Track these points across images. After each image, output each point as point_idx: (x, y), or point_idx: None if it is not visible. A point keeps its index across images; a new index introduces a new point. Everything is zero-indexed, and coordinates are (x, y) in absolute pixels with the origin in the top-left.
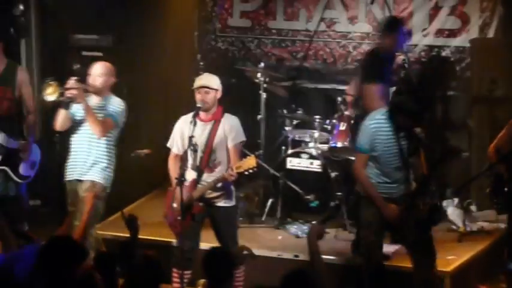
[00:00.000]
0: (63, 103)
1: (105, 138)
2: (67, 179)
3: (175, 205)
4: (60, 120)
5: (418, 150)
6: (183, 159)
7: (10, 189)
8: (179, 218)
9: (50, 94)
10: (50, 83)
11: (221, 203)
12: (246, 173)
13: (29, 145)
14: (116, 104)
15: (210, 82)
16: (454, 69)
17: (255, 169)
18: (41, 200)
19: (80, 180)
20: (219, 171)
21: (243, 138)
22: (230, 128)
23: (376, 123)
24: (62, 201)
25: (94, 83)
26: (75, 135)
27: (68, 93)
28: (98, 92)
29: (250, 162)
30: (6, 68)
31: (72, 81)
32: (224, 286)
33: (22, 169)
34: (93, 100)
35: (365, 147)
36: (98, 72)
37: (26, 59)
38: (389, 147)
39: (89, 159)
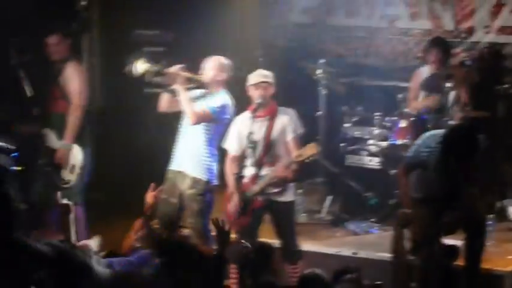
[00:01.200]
0: (163, 86)
1: (204, 131)
2: (169, 167)
3: (235, 202)
4: (164, 102)
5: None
6: (240, 158)
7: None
8: (238, 215)
9: (140, 66)
10: (142, 58)
11: (281, 198)
12: (307, 160)
13: (66, 147)
14: (219, 99)
15: (268, 77)
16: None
17: (316, 155)
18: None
19: (181, 172)
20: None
21: (301, 129)
22: (288, 120)
23: (428, 151)
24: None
25: (204, 75)
26: (183, 125)
27: (172, 76)
28: (204, 85)
29: (311, 149)
30: (61, 63)
31: (177, 67)
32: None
33: (63, 172)
34: (199, 91)
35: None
36: (209, 65)
37: (88, 54)
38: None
39: (188, 152)
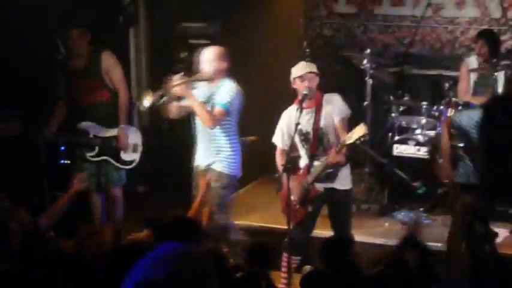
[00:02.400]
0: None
1: (219, 127)
2: (194, 164)
3: (292, 198)
4: (173, 110)
5: None
6: (293, 150)
7: (117, 178)
8: (298, 206)
9: (146, 102)
10: (145, 92)
11: (340, 186)
12: (358, 142)
13: (124, 130)
14: (226, 91)
15: (313, 68)
16: None
17: (366, 136)
18: (149, 186)
19: (206, 169)
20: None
21: (347, 111)
22: (332, 106)
23: (476, 122)
24: (171, 186)
25: (204, 70)
26: (197, 122)
27: (173, 91)
28: (209, 79)
29: (360, 130)
30: (89, 58)
31: (177, 76)
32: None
33: (124, 155)
34: (205, 88)
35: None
36: (207, 58)
37: (135, 47)
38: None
39: (210, 148)
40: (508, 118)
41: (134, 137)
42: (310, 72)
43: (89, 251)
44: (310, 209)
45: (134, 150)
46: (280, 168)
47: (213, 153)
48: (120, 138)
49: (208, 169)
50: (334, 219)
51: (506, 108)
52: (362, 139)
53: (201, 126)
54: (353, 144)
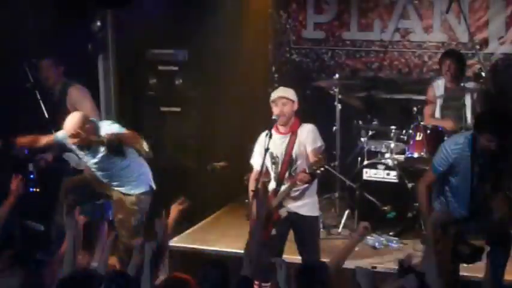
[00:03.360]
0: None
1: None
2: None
3: (255, 216)
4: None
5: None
6: (262, 173)
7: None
8: (261, 227)
9: None
10: None
11: (305, 212)
12: (318, 171)
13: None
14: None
15: (286, 93)
16: None
17: (325, 165)
18: None
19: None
20: None
21: (321, 143)
22: (307, 135)
23: (460, 148)
24: None
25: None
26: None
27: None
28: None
29: (318, 162)
30: (60, 90)
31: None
32: None
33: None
34: None
35: (439, 169)
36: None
37: (104, 74)
38: (466, 176)
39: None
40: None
41: None
42: (282, 97)
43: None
44: (273, 231)
45: None
46: (250, 191)
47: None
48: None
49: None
50: (301, 245)
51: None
52: (322, 169)
53: None
54: (316, 170)
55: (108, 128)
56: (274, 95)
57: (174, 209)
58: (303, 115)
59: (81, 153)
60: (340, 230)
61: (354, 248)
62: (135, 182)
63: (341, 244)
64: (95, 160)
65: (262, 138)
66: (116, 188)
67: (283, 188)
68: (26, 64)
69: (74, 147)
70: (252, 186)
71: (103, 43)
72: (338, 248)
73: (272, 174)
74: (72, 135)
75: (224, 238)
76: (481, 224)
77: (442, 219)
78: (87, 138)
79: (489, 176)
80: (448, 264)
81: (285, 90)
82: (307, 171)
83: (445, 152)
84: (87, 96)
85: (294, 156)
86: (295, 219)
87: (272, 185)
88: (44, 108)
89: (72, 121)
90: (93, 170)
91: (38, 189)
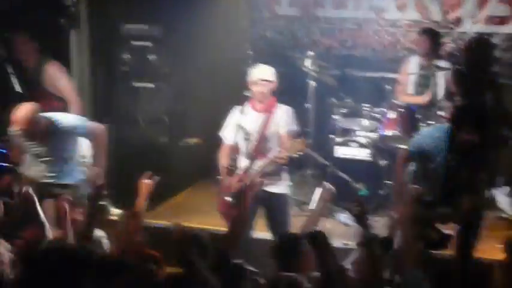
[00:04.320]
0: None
1: None
2: None
3: (227, 194)
4: None
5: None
6: (234, 148)
7: None
8: (232, 206)
9: None
10: None
11: (275, 190)
12: (295, 155)
13: None
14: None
15: (270, 75)
16: (502, 56)
17: (303, 151)
18: None
19: None
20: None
21: (294, 127)
22: (283, 117)
23: (436, 140)
24: None
25: None
26: None
27: None
28: None
29: (299, 145)
30: (34, 67)
31: None
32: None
33: None
34: None
35: (412, 150)
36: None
37: (76, 49)
38: (441, 166)
39: None
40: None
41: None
42: (263, 80)
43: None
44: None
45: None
46: (223, 167)
47: None
48: None
49: None
50: (270, 222)
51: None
52: (299, 153)
53: None
54: (291, 156)
55: (64, 119)
56: (255, 75)
57: (142, 185)
58: (277, 92)
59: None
60: (312, 207)
61: (320, 214)
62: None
63: None
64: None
65: (235, 112)
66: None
67: (257, 165)
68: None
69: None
70: (224, 162)
71: (75, 18)
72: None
73: (243, 150)
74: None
75: (196, 214)
76: (452, 211)
77: (414, 201)
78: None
79: (464, 168)
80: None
81: (266, 71)
82: (285, 152)
83: (421, 139)
84: (64, 73)
85: (268, 134)
86: (265, 196)
87: (244, 162)
88: (17, 83)
89: (21, 114)
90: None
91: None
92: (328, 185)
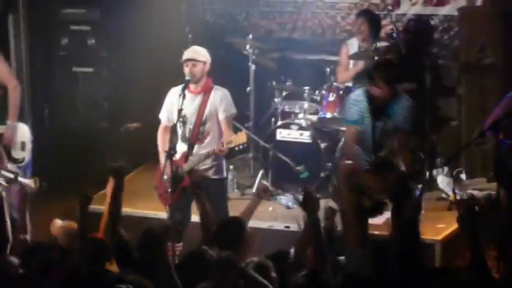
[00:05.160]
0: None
1: None
2: None
3: (165, 177)
4: None
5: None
6: (172, 132)
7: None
8: (169, 190)
9: None
10: None
11: (212, 175)
12: (237, 148)
13: (11, 127)
14: None
15: (197, 55)
16: (441, 37)
17: (245, 145)
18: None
19: None
20: (208, 143)
21: (233, 110)
22: (220, 100)
23: (361, 102)
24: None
25: None
26: None
27: None
28: None
29: (241, 138)
30: None
31: None
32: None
33: (14, 153)
34: None
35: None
36: None
37: (14, 35)
38: (369, 129)
39: None
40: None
41: (22, 134)
42: (191, 59)
43: None
44: (182, 196)
45: (22, 148)
46: (161, 148)
47: None
48: (6, 135)
49: None
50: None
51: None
52: (241, 146)
53: None
54: (231, 149)
55: None
56: (184, 56)
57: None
58: (217, 76)
59: None
60: (254, 190)
61: (254, 209)
62: None
63: None
64: None
65: (172, 93)
66: None
67: (195, 150)
68: None
69: None
70: (162, 145)
71: (13, 2)
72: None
73: (180, 134)
74: None
75: (136, 199)
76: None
77: (350, 170)
78: None
79: (390, 129)
80: (351, 216)
81: (196, 52)
82: (226, 145)
83: (349, 104)
84: (1, 58)
85: (205, 118)
86: (202, 182)
87: (182, 147)
88: None
89: None
90: None
91: None
92: (264, 184)
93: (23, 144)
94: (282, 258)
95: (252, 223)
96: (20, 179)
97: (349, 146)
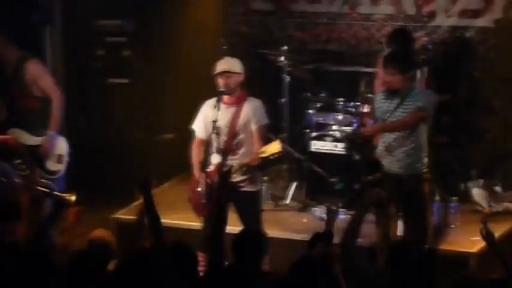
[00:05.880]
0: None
1: None
2: None
3: (199, 189)
4: None
5: None
6: (207, 143)
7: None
8: (204, 201)
9: None
10: None
11: (246, 188)
12: (271, 157)
13: (50, 138)
14: None
15: (231, 66)
16: (477, 50)
17: (280, 154)
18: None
19: None
20: (242, 154)
21: (266, 121)
22: (253, 110)
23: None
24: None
25: None
26: None
27: None
28: None
29: (275, 147)
30: (15, 66)
31: None
32: (253, 268)
33: (49, 164)
34: None
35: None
36: None
37: (50, 46)
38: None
39: None
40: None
41: (60, 147)
42: (226, 72)
43: None
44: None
45: (59, 161)
46: (195, 160)
47: None
48: (43, 146)
49: None
50: (242, 219)
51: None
52: (276, 156)
53: None
54: (265, 159)
55: None
56: (218, 68)
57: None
58: (251, 87)
59: None
60: (287, 201)
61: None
62: None
63: (288, 216)
64: None
65: (206, 106)
66: None
67: (228, 162)
68: None
69: None
70: (195, 157)
71: (49, 14)
72: (285, 220)
73: (215, 146)
74: None
75: (170, 211)
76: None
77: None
78: None
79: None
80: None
81: (229, 63)
82: (260, 155)
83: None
84: (45, 69)
85: (239, 128)
86: (236, 194)
87: (215, 158)
88: None
89: None
90: None
91: None
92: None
93: (60, 157)
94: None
95: (284, 235)
96: (56, 193)
97: None
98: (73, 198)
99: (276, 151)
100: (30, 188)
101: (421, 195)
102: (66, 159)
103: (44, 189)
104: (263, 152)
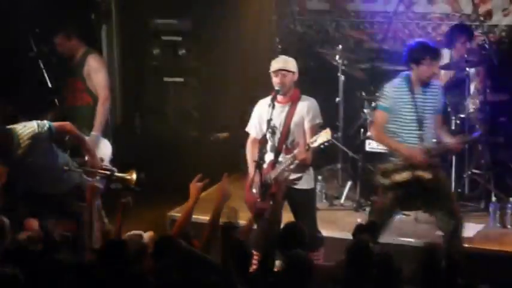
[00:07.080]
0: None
1: None
2: None
3: (254, 189)
4: None
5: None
6: (262, 142)
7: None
8: (259, 200)
9: None
10: None
11: (300, 186)
12: (322, 146)
13: (94, 138)
14: None
15: (287, 65)
16: None
17: (330, 142)
18: None
19: None
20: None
21: (319, 120)
22: (307, 109)
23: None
24: None
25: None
26: None
27: None
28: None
29: (325, 135)
30: (80, 57)
31: None
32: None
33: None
34: None
35: (385, 106)
36: None
37: (107, 44)
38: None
39: None
40: None
41: (103, 150)
42: (282, 70)
43: None
44: (271, 203)
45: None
46: (250, 160)
47: None
48: (86, 146)
49: None
50: (296, 216)
51: None
52: (326, 144)
53: None
54: (317, 147)
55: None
56: (274, 66)
57: (194, 187)
58: (306, 86)
59: None
60: (342, 201)
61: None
62: None
63: (343, 216)
64: None
65: (260, 105)
66: None
67: (280, 159)
68: (30, 34)
69: None
70: (250, 155)
71: (106, 13)
72: (340, 220)
73: (270, 144)
74: None
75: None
76: None
77: None
78: None
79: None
80: None
81: (285, 61)
82: (311, 145)
83: (386, 93)
84: (104, 66)
85: (293, 127)
86: (291, 192)
87: (269, 156)
88: (47, 78)
89: None
90: None
91: None
92: None
93: (101, 160)
94: None
95: (339, 234)
96: (118, 174)
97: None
98: (134, 176)
99: (326, 139)
100: (93, 173)
101: None
102: (106, 164)
103: (105, 172)
104: (314, 142)
